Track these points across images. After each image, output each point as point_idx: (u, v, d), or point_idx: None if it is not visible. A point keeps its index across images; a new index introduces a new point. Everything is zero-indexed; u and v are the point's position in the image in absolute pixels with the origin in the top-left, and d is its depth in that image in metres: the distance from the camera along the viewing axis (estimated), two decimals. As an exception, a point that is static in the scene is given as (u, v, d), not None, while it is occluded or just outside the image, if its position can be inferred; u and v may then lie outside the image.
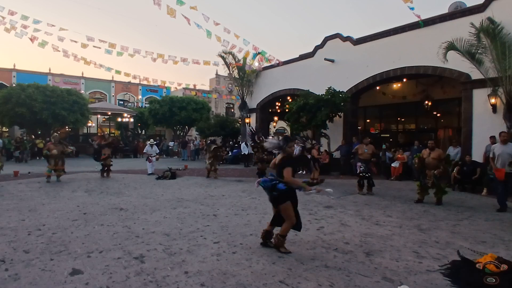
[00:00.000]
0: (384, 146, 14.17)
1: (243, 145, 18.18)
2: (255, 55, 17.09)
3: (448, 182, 10.03)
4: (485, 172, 9.14)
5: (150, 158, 13.12)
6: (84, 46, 13.61)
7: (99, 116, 29.60)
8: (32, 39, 12.75)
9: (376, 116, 18.32)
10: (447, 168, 7.59)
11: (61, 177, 10.72)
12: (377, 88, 15.24)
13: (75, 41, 13.58)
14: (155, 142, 14.73)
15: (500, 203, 6.85)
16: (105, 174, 11.84)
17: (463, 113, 10.87)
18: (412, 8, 11.11)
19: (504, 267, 2.38)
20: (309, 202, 7.26)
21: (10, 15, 11.94)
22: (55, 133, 13.43)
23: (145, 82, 20.40)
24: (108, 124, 30.59)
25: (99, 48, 13.87)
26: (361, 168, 8.73)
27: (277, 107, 20.56)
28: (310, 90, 14.26)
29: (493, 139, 9.34)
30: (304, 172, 13.13)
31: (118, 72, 16.43)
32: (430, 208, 7.08)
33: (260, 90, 19.34)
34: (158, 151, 13.95)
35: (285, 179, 4.08)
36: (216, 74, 36.04)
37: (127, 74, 16.74)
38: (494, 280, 2.34)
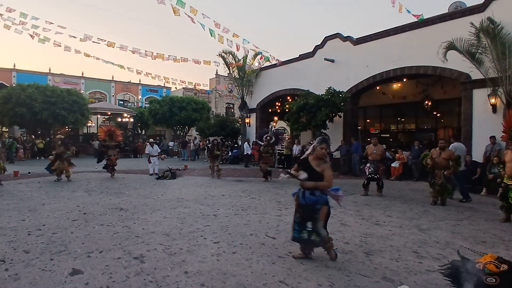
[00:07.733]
0: (383, 146, 14.15)
1: (245, 145, 18.13)
2: (260, 53, 17.04)
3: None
4: (485, 172, 9.16)
5: (150, 158, 13.06)
6: (82, 40, 13.65)
7: (99, 116, 29.59)
8: (32, 36, 12.79)
9: (376, 116, 18.30)
10: (457, 169, 7.54)
11: (60, 177, 10.82)
12: (377, 88, 15.23)
13: (74, 37, 13.61)
14: (155, 141, 14.67)
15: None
16: (112, 173, 11.85)
17: (463, 113, 10.86)
18: (409, 11, 11.13)
19: (504, 267, 2.38)
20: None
21: (8, 12, 11.96)
22: (59, 135, 13.39)
23: (148, 80, 20.37)
24: (108, 124, 30.58)
25: (98, 43, 13.95)
26: (370, 170, 8.64)
27: (277, 107, 20.51)
28: (310, 90, 14.26)
29: (493, 139, 9.36)
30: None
31: (121, 66, 16.40)
32: (430, 208, 7.08)
33: (260, 90, 19.33)
34: (159, 150, 13.83)
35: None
36: (216, 74, 36.01)
37: (130, 69, 16.77)
38: (494, 280, 2.34)
